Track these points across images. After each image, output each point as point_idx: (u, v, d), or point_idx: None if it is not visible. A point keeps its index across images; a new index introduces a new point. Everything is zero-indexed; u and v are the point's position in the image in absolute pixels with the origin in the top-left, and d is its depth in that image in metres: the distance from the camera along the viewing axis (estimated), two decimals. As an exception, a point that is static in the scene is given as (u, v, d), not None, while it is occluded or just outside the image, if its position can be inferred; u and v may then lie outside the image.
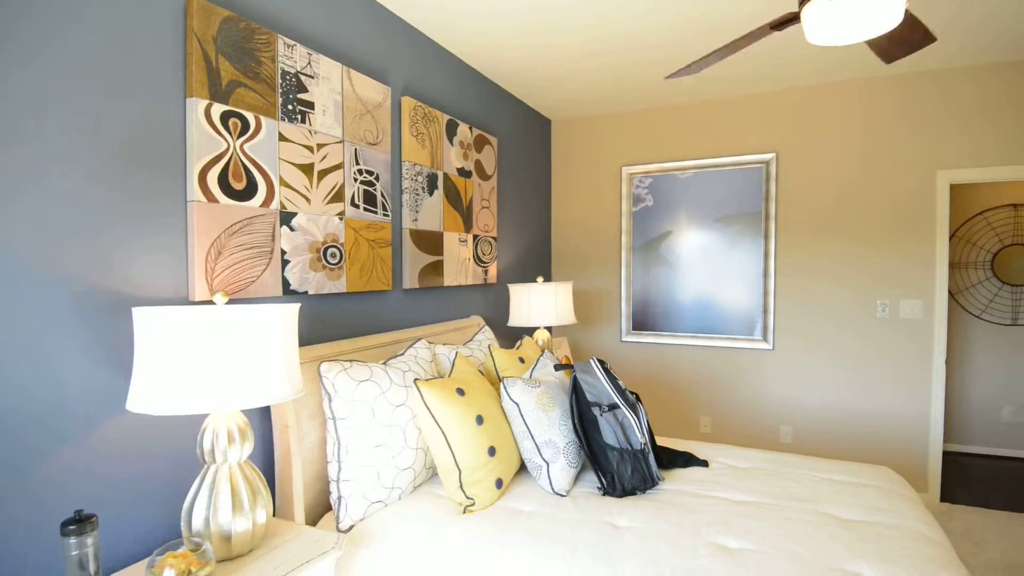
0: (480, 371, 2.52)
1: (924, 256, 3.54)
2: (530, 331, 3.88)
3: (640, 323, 4.27)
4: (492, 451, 1.99)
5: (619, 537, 1.68)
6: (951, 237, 4.66)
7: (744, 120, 3.94)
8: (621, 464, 1.98)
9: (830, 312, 3.76)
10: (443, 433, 1.92)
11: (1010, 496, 3.69)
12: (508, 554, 1.62)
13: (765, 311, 3.90)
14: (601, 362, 2.16)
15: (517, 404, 2.08)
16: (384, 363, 2.13)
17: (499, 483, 1.99)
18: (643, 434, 2.01)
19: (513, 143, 3.89)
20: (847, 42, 1.52)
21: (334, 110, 2.27)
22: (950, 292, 4.66)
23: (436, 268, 2.92)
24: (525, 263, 4.11)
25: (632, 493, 1.99)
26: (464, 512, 1.88)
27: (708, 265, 4.04)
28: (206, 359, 1.34)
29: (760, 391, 3.94)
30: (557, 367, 2.28)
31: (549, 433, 2.07)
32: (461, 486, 1.91)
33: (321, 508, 2.00)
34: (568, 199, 4.52)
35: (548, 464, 2.04)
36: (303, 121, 2.13)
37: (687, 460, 2.26)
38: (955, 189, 4.62)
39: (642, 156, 4.24)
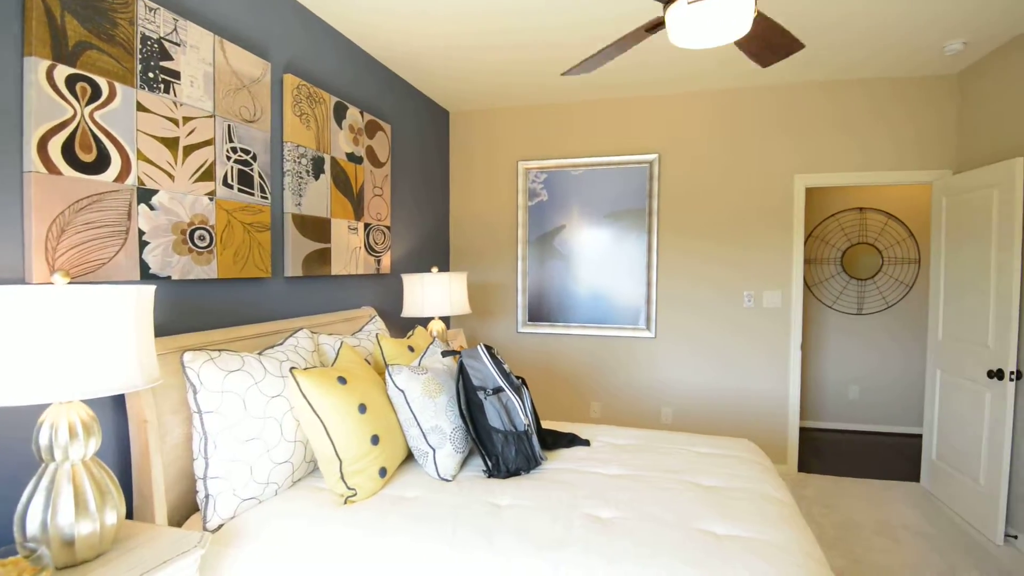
0: (367, 361, 2.46)
1: (783, 252, 3.93)
2: (425, 322, 3.85)
3: (536, 314, 4.37)
4: (376, 440, 1.95)
5: (500, 515, 1.71)
6: (808, 236, 5.21)
7: (631, 121, 4.16)
8: (506, 446, 2.02)
9: (704, 302, 4.07)
10: (322, 423, 1.85)
11: (856, 464, 4.20)
12: (387, 540, 1.60)
13: (648, 302, 4.14)
14: (488, 348, 2.19)
15: (403, 391, 2.06)
16: (260, 353, 2.02)
17: (383, 472, 1.96)
18: (527, 416, 2.07)
19: (409, 132, 3.83)
20: (705, 45, 1.65)
21: (204, 82, 2.11)
22: (807, 285, 5.21)
23: (323, 256, 2.81)
24: (422, 254, 4.07)
25: (517, 474, 2.04)
26: (345, 503, 1.83)
27: (599, 258, 4.23)
28: (40, 345, 1.20)
29: (644, 376, 4.19)
30: (445, 353, 2.28)
31: (436, 419, 2.06)
32: (342, 477, 1.85)
33: (188, 508, 1.86)
34: (466, 191, 4.54)
35: (434, 450, 2.04)
36: (167, 91, 1.97)
37: (571, 440, 2.35)
38: (810, 192, 5.17)
39: (538, 152, 4.34)
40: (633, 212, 4.15)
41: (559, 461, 2.17)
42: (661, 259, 4.14)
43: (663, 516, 1.68)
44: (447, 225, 4.55)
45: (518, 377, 2.26)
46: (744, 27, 1.57)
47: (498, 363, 2.15)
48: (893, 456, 4.39)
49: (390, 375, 2.08)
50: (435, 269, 3.28)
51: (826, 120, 3.85)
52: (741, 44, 1.92)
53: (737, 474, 2.04)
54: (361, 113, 3.14)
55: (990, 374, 3.02)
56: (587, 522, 1.65)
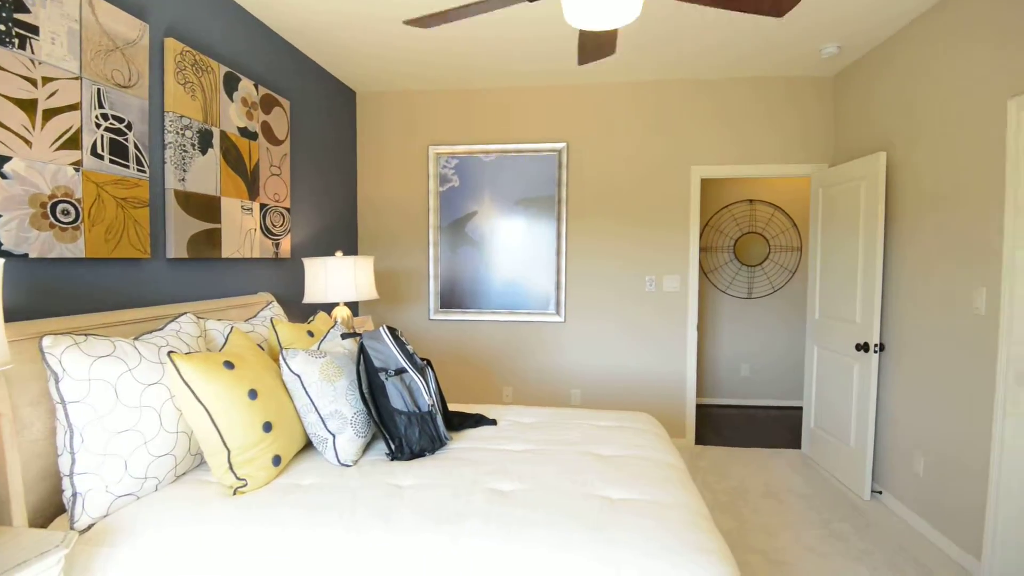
0: (261, 346, 2.34)
1: (682, 238, 4.15)
2: (329, 309, 3.71)
3: (448, 301, 4.35)
4: (268, 427, 1.85)
5: (400, 495, 1.68)
6: (705, 226, 5.53)
7: (542, 110, 4.22)
8: (409, 427, 1.99)
9: (610, 287, 4.22)
10: (207, 411, 1.73)
11: (747, 436, 4.53)
12: (278, 531, 1.53)
13: (558, 287, 4.24)
14: (392, 329, 2.15)
15: (299, 376, 1.97)
16: (136, 338, 1.85)
17: (277, 460, 1.87)
18: (431, 396, 2.05)
19: (311, 110, 3.66)
20: (596, 26, 1.69)
21: (68, 40, 1.90)
22: (703, 271, 5.54)
23: (212, 237, 2.62)
24: (327, 239, 3.92)
25: (421, 455, 2.02)
26: (234, 494, 1.72)
27: (510, 245, 4.26)
28: None
29: (554, 360, 4.29)
30: (345, 336, 2.21)
31: (335, 404, 1.99)
32: (231, 467, 1.74)
33: (54, 508, 1.68)
34: (376, 175, 4.41)
35: (334, 436, 1.97)
36: (23, 47, 1.75)
37: (477, 420, 2.36)
38: (706, 184, 5.49)
39: (449, 137, 4.30)
40: (543, 200, 4.22)
41: (465, 441, 2.17)
42: (570, 246, 4.24)
43: (562, 485, 1.72)
44: (355, 209, 4.41)
45: (423, 359, 2.23)
46: (635, 9, 1.62)
47: (401, 344, 2.11)
48: (779, 427, 4.78)
49: (284, 359, 1.98)
50: (339, 253, 3.16)
51: (720, 115, 4.10)
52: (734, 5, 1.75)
53: (634, 443, 2.14)
54: (255, 86, 2.95)
55: (858, 347, 3.35)
56: (488, 495, 1.66)
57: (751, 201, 5.49)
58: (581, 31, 1.95)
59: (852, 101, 3.74)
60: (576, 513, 1.54)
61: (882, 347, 3.30)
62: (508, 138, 4.24)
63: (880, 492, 3.30)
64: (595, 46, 2.03)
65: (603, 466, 1.89)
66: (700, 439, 4.42)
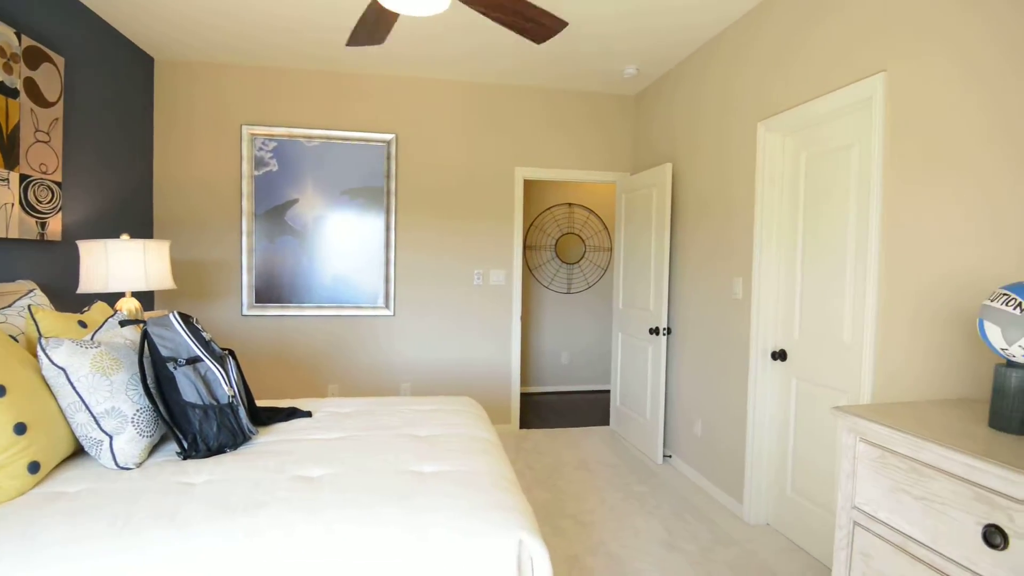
0: (14, 338, 1.96)
1: (507, 234, 4.37)
2: (114, 300, 3.23)
3: (265, 295, 4.04)
4: (21, 429, 1.57)
5: (191, 492, 1.53)
6: (530, 226, 5.89)
7: (369, 98, 4.13)
8: (205, 422, 1.82)
9: (439, 280, 4.29)
10: (-72, 412, 1.41)
11: (566, 418, 4.90)
12: (27, 544, 1.30)
13: (387, 280, 4.19)
14: (184, 315, 1.95)
15: (63, 369, 1.69)
16: None
17: (35, 467, 1.58)
18: (231, 387, 1.90)
19: (94, 72, 3.15)
20: (409, 12, 1.72)
21: None
22: (529, 268, 5.89)
23: (-56, 210, 2.13)
24: (115, 221, 3.40)
25: (221, 451, 1.85)
26: (-30, 511, 1.42)
27: (336, 236, 4.10)
28: None
29: (384, 354, 4.23)
30: (124, 323, 1.95)
31: (112, 400, 1.75)
32: (-35, 479, 1.44)
33: None
34: (178, 153, 3.94)
35: (111, 437, 1.73)
36: None
37: (290, 414, 2.24)
38: (531, 185, 5.85)
39: (266, 117, 4.01)
40: (372, 191, 4.14)
41: (274, 434, 2.05)
42: (399, 239, 4.21)
43: (374, 466, 1.72)
44: (150, 189, 3.89)
45: (226, 349, 2.06)
46: (444, 3, 1.69)
47: (195, 330, 1.92)
48: (594, 408, 5.25)
49: (44, 351, 1.69)
50: (125, 236, 2.77)
51: (542, 122, 4.40)
52: (505, 22, 2.00)
53: (451, 423, 2.20)
54: (17, 35, 2.47)
55: (651, 331, 3.83)
56: (294, 483, 1.59)
57: (570, 204, 5.96)
58: (361, 18, 2.00)
59: (649, 116, 4.27)
60: (386, 489, 1.55)
61: (669, 331, 3.81)
62: (333, 124, 4.08)
63: (670, 456, 3.81)
64: (367, 34, 2.10)
65: (419, 445, 1.92)
66: (524, 424, 4.69)
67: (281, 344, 4.10)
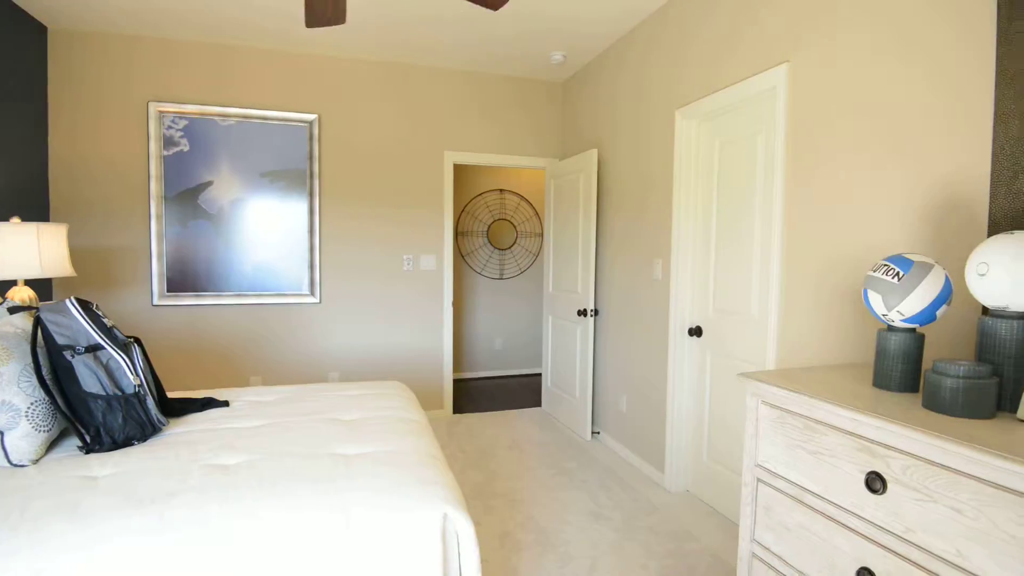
0: None
1: (437, 219, 4.33)
2: (5, 289, 2.94)
3: (179, 284, 3.81)
4: None
5: (94, 486, 1.44)
6: (461, 211, 5.86)
7: (290, 77, 3.95)
8: (109, 413, 1.71)
9: (368, 266, 4.20)
10: None
11: (499, 401, 4.95)
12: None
13: (312, 267, 4.05)
14: (82, 301, 1.81)
15: (-61, 361, 1.54)
16: None
17: (-95, 471, 1.44)
18: (138, 376, 1.79)
19: (-33, 39, 2.84)
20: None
21: None
22: (461, 254, 5.88)
23: None
24: (3, 206, 3.09)
25: (128, 444, 1.75)
26: None
27: (256, 220, 3.92)
28: None
29: (310, 343, 4.10)
30: (13, 310, 1.79)
31: (2, 393, 1.61)
32: None
33: None
34: (76, 131, 3.62)
35: (2, 433, 1.59)
36: None
37: (205, 404, 2.14)
38: (462, 171, 5.82)
39: (177, 94, 3.75)
40: (293, 173, 3.98)
41: (187, 424, 1.95)
42: (324, 223, 4.08)
43: (296, 451, 1.68)
44: (45, 170, 3.56)
45: (131, 337, 1.93)
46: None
47: (95, 317, 1.79)
48: (527, 391, 5.34)
49: (-86, 341, 1.53)
50: (16, 219, 2.53)
51: (472, 106, 4.37)
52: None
53: (379, 407, 2.18)
54: None
55: (579, 313, 3.93)
56: (208, 471, 1.53)
57: (501, 191, 5.98)
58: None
59: (576, 103, 4.34)
60: (308, 473, 1.52)
61: (597, 312, 3.93)
62: (251, 103, 3.88)
63: (599, 432, 3.94)
64: (322, 11, 1.99)
65: (344, 429, 1.89)
66: (458, 409, 4.70)
67: (198, 335, 3.88)
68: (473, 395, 5.21)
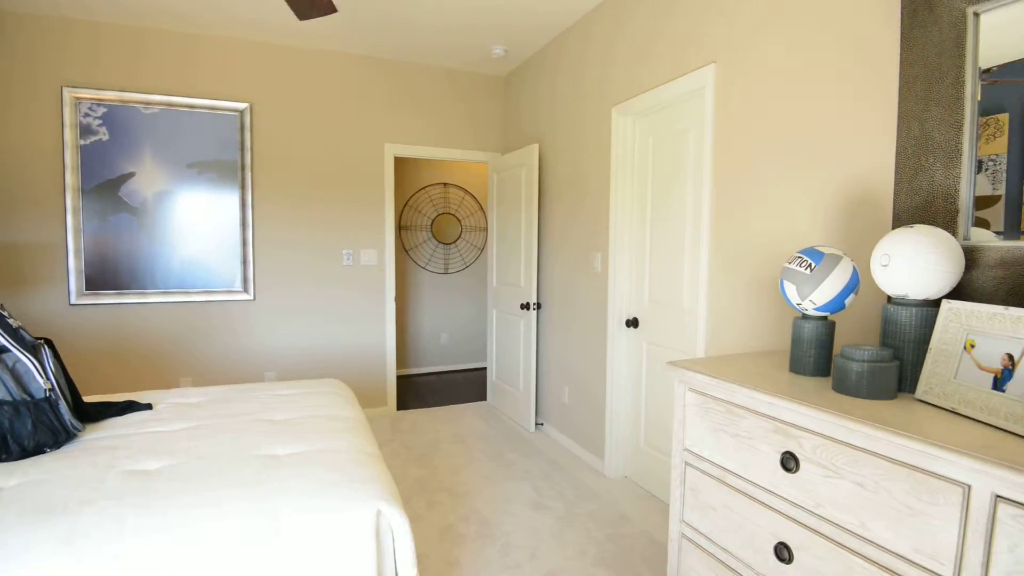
0: None
1: (378, 212, 4.26)
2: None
3: (98, 281, 3.58)
4: None
5: (0, 497, 1.34)
6: (404, 206, 5.78)
7: (219, 63, 3.78)
8: (16, 420, 1.59)
9: (305, 261, 4.08)
10: None
11: (445, 397, 4.93)
12: None
13: (245, 262, 3.90)
14: (-17, 301, 1.68)
15: None
16: None
17: None
18: (48, 380, 1.68)
19: None
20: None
21: None
22: (405, 248, 5.80)
23: None
24: None
25: (40, 451, 1.64)
26: None
27: (183, 214, 3.73)
28: None
29: (244, 342, 3.95)
30: (-101, 311, 1.64)
31: None
32: None
33: None
34: (-26, 119, 3.33)
35: None
36: None
37: (125, 408, 2.03)
38: (404, 164, 5.74)
39: (94, 79, 3.51)
40: (224, 164, 3.80)
41: (105, 430, 1.85)
42: (258, 217, 3.93)
43: (223, 453, 1.62)
44: (-60, 162, 3.26)
45: (42, 339, 1.81)
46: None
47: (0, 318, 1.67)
48: (472, 386, 5.34)
49: None
50: (-97, 213, 2.31)
51: (414, 98, 4.31)
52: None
53: (314, 405, 2.13)
54: None
55: (522, 306, 3.96)
56: (126, 477, 1.45)
57: (445, 184, 5.94)
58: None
59: (517, 98, 4.36)
60: (235, 476, 1.47)
61: (539, 305, 3.97)
62: (176, 90, 3.68)
63: (542, 424, 3.99)
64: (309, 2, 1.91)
65: (276, 429, 1.84)
66: (403, 405, 4.65)
67: (121, 336, 3.67)
68: (418, 391, 5.17)
